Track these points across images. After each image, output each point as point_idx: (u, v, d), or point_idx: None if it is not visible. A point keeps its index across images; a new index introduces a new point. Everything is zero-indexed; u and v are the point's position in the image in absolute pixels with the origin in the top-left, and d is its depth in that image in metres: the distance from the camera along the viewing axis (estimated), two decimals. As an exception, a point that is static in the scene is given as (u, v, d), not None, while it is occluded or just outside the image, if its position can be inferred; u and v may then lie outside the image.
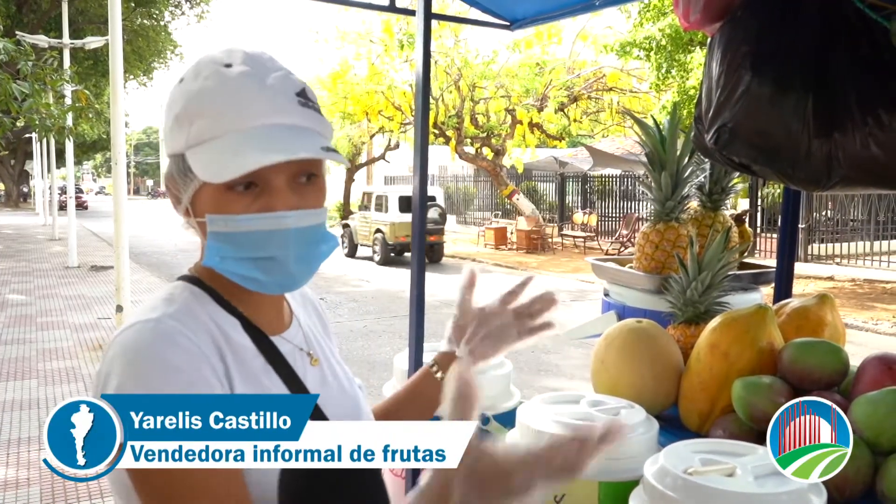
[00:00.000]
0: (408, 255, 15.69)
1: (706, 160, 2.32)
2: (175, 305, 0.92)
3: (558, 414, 1.65)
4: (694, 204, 2.36)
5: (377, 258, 16.40)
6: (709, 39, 1.62)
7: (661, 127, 2.25)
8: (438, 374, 1.22)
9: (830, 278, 12.79)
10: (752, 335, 1.76)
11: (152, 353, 0.84)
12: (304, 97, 0.93)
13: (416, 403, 1.25)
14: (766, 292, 2.41)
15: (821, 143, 1.44)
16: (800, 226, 14.14)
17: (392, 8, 2.36)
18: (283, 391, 0.95)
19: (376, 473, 1.02)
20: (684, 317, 2.04)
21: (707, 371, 1.79)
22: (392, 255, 16.27)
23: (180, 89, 0.94)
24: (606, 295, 2.40)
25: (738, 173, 2.33)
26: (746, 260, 2.56)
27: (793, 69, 1.45)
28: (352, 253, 17.65)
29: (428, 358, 2.04)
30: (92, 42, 15.80)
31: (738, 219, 2.38)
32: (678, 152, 2.22)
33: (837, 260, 14.14)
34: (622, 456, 1.58)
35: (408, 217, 15.26)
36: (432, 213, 16.19)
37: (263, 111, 0.89)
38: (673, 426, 1.87)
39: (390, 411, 1.25)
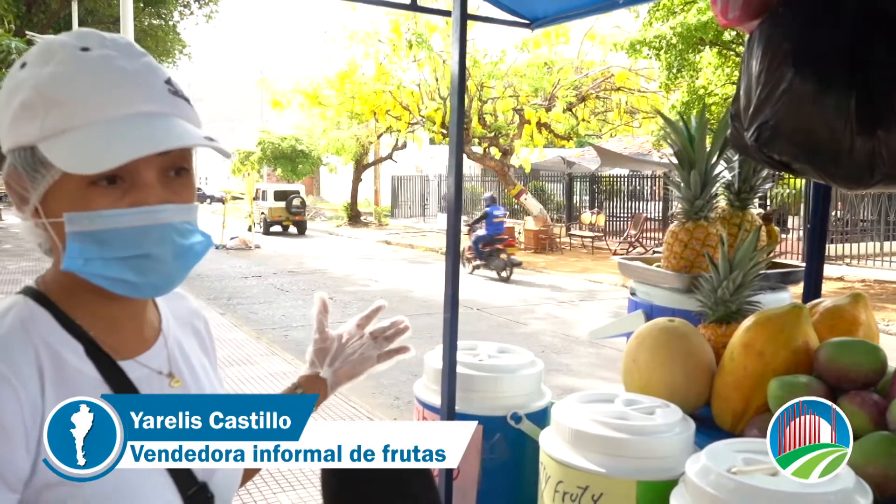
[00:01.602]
0: (287, 228, 24.08)
1: (734, 159, 2.32)
2: (2, 329, 0.83)
3: (594, 413, 1.65)
4: (722, 203, 2.35)
5: (261, 231, 23.03)
6: (747, 37, 1.61)
7: (689, 125, 2.24)
8: None
9: (840, 279, 12.73)
10: (788, 334, 1.75)
11: None
12: (172, 85, 0.86)
13: None
14: (793, 292, 2.39)
15: (863, 140, 1.43)
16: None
17: (425, 8, 2.35)
18: None
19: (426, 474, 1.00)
20: (715, 316, 2.03)
21: (741, 370, 1.78)
22: (269, 228, 23.69)
23: (25, 74, 0.84)
24: (633, 294, 2.39)
25: (765, 172, 2.32)
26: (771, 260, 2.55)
27: (835, 66, 1.44)
28: (249, 228, 23.76)
29: (463, 356, 2.05)
30: (101, 42, 15.82)
31: (766, 218, 2.37)
32: (707, 151, 2.20)
33: (847, 260, 14.08)
34: (660, 455, 1.58)
35: (280, 204, 23.66)
36: (296, 202, 23.66)
37: (132, 98, 0.82)
38: (705, 425, 1.86)
39: None
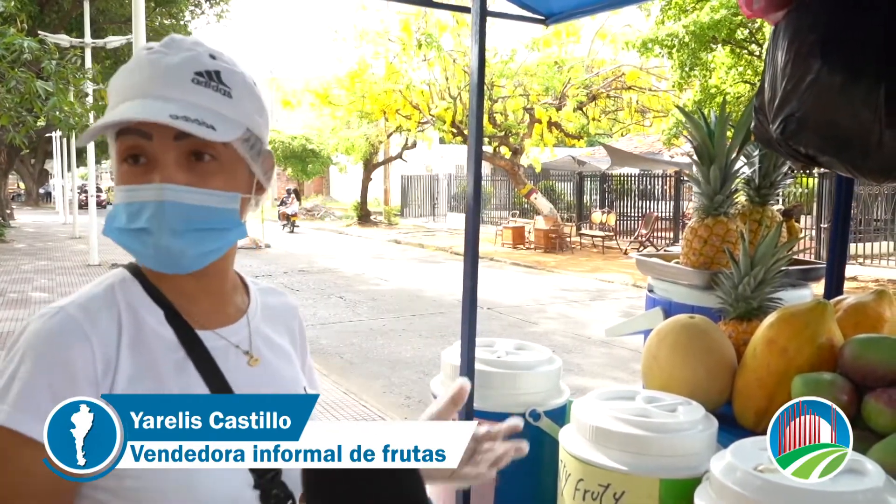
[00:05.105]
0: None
1: (754, 154, 2.29)
2: (93, 293, 0.95)
3: (615, 410, 1.63)
4: (741, 198, 2.33)
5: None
6: (772, 28, 1.58)
7: (708, 121, 2.21)
8: None
9: (854, 279, 12.63)
10: (812, 331, 1.72)
11: (39, 348, 0.87)
12: (206, 77, 0.91)
13: None
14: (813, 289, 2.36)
15: (893, 133, 1.40)
16: (822, 225, 13.98)
17: (441, 4, 2.33)
18: (200, 387, 0.94)
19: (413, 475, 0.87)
20: (736, 313, 2.00)
21: (764, 367, 1.76)
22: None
23: None
24: (651, 291, 2.36)
25: (786, 167, 2.29)
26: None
27: (864, 56, 1.41)
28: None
29: (481, 353, 2.03)
30: (113, 41, 15.92)
31: (787, 214, 2.34)
32: (727, 146, 2.18)
33: (860, 260, 13.97)
34: (683, 453, 1.55)
35: None
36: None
37: (151, 86, 0.90)
38: (726, 423, 1.83)
39: None
